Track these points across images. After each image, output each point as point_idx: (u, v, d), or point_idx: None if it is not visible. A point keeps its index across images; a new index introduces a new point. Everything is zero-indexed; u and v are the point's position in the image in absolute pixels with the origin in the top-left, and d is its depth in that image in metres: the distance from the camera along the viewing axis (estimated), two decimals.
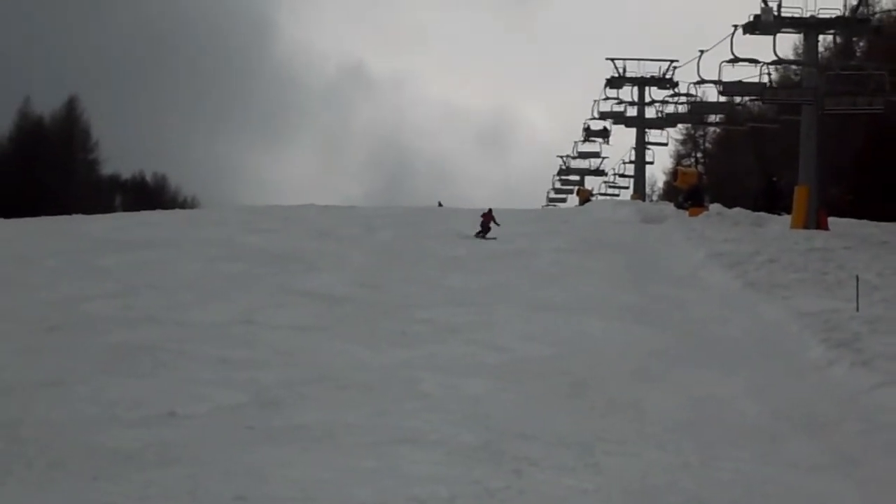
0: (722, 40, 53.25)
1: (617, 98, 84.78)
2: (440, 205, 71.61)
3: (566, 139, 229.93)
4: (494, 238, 42.27)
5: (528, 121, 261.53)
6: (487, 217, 43.34)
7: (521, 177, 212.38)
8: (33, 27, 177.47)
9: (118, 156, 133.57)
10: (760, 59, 51.05)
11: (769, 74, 52.64)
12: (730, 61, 52.55)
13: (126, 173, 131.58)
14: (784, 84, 48.70)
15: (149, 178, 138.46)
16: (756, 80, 51.31)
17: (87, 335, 23.02)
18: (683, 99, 74.26)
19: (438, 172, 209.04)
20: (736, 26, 52.37)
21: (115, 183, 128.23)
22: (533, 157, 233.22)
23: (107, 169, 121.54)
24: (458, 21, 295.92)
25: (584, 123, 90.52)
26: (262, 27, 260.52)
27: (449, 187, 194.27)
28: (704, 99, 70.22)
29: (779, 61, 50.83)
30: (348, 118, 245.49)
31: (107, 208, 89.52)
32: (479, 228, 43.15)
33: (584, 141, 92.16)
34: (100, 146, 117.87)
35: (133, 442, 15.13)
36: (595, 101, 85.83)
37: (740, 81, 53.13)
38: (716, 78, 53.81)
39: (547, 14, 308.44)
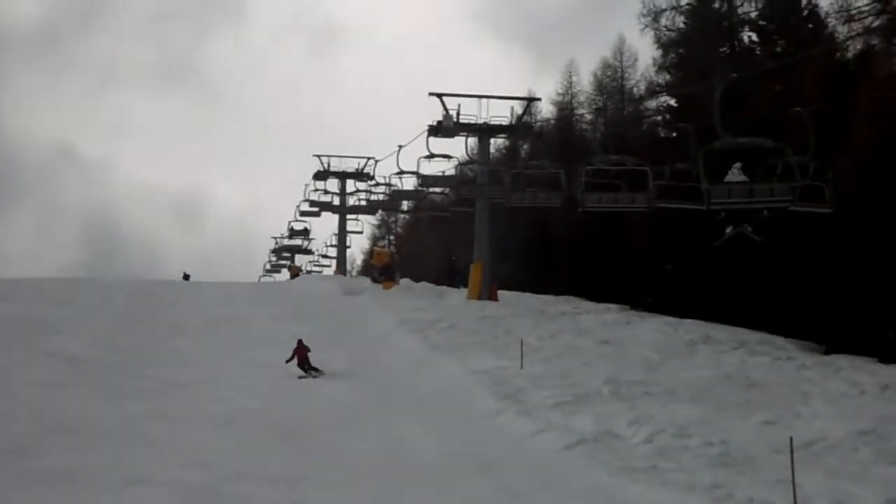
0: (394, 152, 54.84)
1: (319, 190, 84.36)
2: (186, 277, 66.31)
3: (256, 214, 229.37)
4: (323, 373, 28.45)
5: (221, 198, 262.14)
6: (303, 351, 28.70)
7: (218, 248, 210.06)
8: None
9: None
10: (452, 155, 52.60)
11: (458, 169, 53.92)
12: (425, 158, 52.95)
13: None
14: (479, 181, 49.06)
15: None
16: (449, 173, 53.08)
17: None
18: (381, 189, 74.70)
19: (146, 245, 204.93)
20: (409, 142, 53.60)
21: None
22: (226, 231, 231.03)
23: None
24: (158, 110, 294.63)
25: (289, 224, 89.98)
26: None
27: (156, 260, 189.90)
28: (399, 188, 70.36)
29: (431, 155, 51.37)
30: (62, 196, 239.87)
31: None
32: (297, 363, 28.55)
33: (290, 237, 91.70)
34: None
35: None
36: (297, 205, 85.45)
37: (440, 175, 54.45)
38: (413, 171, 54.33)
39: (234, 103, 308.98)
